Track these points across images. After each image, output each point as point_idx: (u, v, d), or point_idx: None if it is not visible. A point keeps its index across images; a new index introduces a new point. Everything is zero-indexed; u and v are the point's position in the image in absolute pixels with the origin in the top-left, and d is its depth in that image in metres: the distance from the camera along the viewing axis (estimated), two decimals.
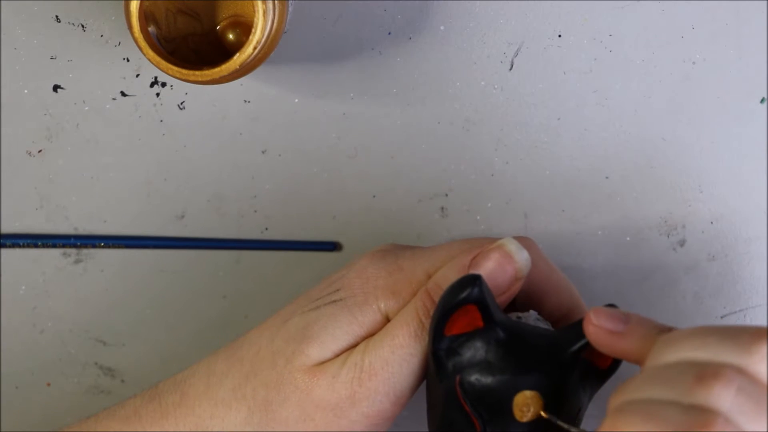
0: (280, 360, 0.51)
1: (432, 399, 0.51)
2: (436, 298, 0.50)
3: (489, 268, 0.51)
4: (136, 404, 0.54)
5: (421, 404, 0.53)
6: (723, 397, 0.40)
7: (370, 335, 0.51)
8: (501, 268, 0.51)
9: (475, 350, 0.49)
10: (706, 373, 0.41)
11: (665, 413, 0.41)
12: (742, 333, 0.42)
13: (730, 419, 0.40)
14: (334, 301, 0.52)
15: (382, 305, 0.52)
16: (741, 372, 0.41)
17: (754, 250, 0.61)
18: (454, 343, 0.49)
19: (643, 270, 0.62)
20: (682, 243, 0.61)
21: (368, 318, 0.52)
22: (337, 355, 0.51)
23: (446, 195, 0.61)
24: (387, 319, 0.52)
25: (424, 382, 0.52)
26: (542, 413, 0.48)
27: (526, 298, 0.54)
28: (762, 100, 0.60)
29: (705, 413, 0.40)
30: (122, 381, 0.62)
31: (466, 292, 0.48)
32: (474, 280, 0.48)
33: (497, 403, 0.48)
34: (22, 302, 0.62)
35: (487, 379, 0.48)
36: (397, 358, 0.50)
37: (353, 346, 0.51)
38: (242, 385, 0.52)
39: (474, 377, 0.49)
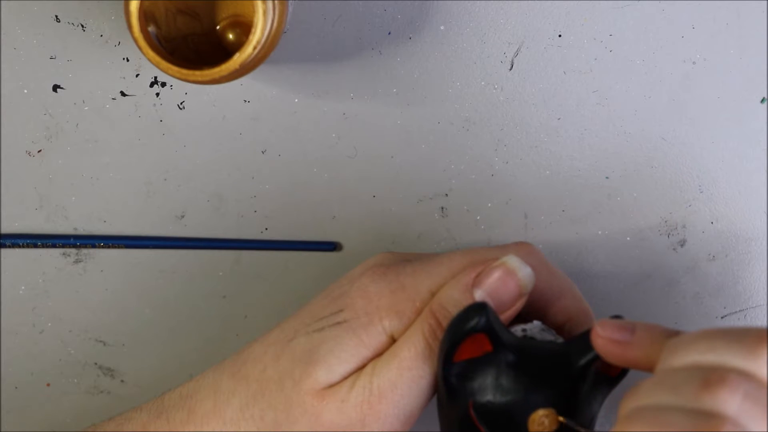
0: (287, 382, 0.51)
1: (445, 424, 0.51)
2: (441, 318, 0.51)
3: (492, 286, 0.51)
4: (143, 419, 0.54)
5: (425, 410, 0.53)
6: (730, 402, 0.41)
7: (377, 356, 0.52)
8: (504, 285, 0.51)
9: (486, 374, 0.49)
10: (712, 378, 0.41)
11: (673, 419, 0.41)
12: (747, 335, 0.42)
13: (738, 423, 0.40)
14: (338, 323, 0.52)
15: (387, 325, 0.52)
16: (747, 376, 0.41)
17: (754, 250, 0.61)
18: (465, 369, 0.49)
19: (643, 270, 0.62)
20: (682, 243, 0.61)
21: (374, 339, 0.52)
22: (345, 378, 0.51)
23: (446, 195, 0.61)
24: (392, 339, 0.52)
25: (434, 399, 0.52)
26: (560, 419, 0.48)
27: (529, 305, 0.54)
28: (762, 100, 0.60)
29: (712, 418, 0.40)
30: (122, 381, 0.62)
31: (474, 322, 0.49)
32: (480, 310, 0.49)
33: (513, 424, 0.48)
34: (22, 302, 0.62)
35: (500, 401, 0.49)
36: (405, 381, 0.50)
37: (360, 368, 0.51)
38: (250, 405, 0.52)
39: (487, 400, 0.49)
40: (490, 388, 0.49)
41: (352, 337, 0.51)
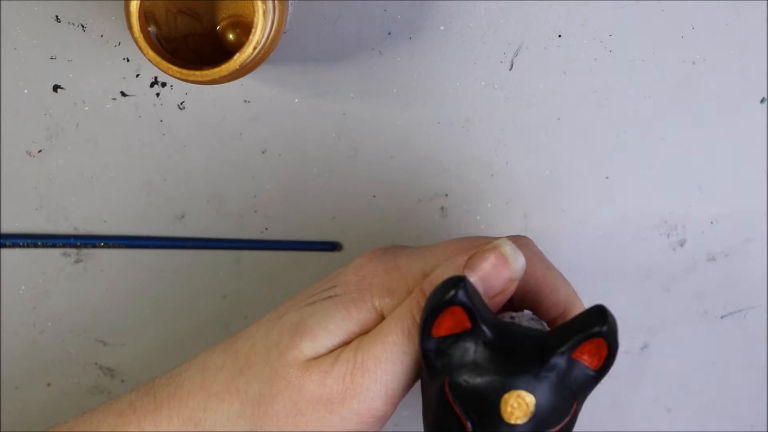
0: (273, 353, 0.51)
1: (426, 399, 0.51)
2: None
3: (484, 270, 0.51)
4: (132, 398, 0.54)
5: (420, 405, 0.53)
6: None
7: (364, 332, 0.51)
8: (495, 269, 0.51)
9: (464, 351, 0.49)
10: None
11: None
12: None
13: None
14: (330, 297, 0.52)
15: (377, 303, 0.52)
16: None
17: (754, 250, 0.61)
18: (442, 344, 0.49)
19: (643, 270, 0.62)
20: (682, 243, 0.61)
21: (363, 315, 0.52)
22: (331, 351, 0.51)
23: (446, 195, 0.61)
24: (382, 317, 0.52)
25: (419, 383, 0.52)
26: (532, 402, 0.48)
27: (522, 296, 0.54)
28: (762, 100, 0.60)
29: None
30: (122, 381, 0.62)
31: (450, 295, 0.48)
32: (457, 283, 0.48)
33: (486, 404, 0.48)
34: (22, 302, 0.62)
35: (475, 381, 0.48)
36: (389, 356, 0.50)
37: (347, 343, 0.51)
38: (236, 378, 0.52)
39: (462, 378, 0.48)
40: (466, 366, 0.49)
41: (341, 310, 0.51)
